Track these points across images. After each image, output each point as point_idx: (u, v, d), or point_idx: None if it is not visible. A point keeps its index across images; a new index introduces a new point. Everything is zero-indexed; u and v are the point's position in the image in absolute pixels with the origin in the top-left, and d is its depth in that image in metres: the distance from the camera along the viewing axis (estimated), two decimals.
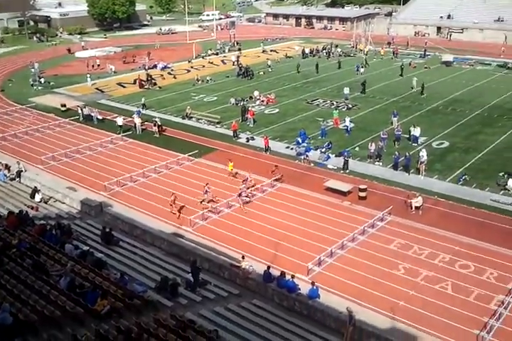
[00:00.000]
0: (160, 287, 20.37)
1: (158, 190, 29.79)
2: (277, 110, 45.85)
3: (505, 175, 30.35)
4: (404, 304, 20.07)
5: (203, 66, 65.83)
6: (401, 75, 56.35)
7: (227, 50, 75.03)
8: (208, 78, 57.03)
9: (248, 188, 28.59)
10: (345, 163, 32.40)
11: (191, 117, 43.56)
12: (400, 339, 17.66)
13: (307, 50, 70.83)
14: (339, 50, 72.47)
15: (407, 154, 32.38)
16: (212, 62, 68.10)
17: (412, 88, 50.48)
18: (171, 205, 26.90)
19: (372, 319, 18.91)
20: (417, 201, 27.11)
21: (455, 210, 27.24)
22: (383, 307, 19.85)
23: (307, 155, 34.22)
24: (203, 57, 70.89)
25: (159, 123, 40.12)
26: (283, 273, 20.64)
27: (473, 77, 56.89)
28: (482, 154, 34.59)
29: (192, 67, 64.96)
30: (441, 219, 26.22)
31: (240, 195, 27.80)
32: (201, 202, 27.83)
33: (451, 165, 33.01)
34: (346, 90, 48.44)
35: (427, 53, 69.01)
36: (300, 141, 36.65)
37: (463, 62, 64.24)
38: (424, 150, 32.43)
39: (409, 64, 61.36)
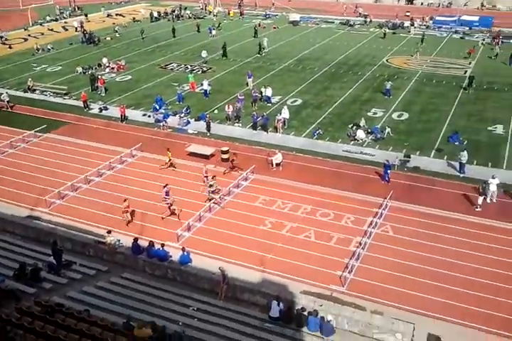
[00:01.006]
0: (19, 274, 18.78)
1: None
2: (130, 77, 43.92)
3: (354, 127, 32.45)
4: (273, 257, 20.86)
5: (42, 34, 60.50)
6: (255, 36, 56.80)
7: (67, 16, 69.53)
8: (49, 47, 52.56)
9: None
10: (208, 125, 32.24)
11: (34, 90, 40.00)
12: (272, 290, 18.34)
13: (155, 14, 68.29)
14: (188, 12, 70.97)
15: (264, 114, 33.14)
16: (52, 29, 62.81)
17: (264, 48, 51.31)
18: (125, 212, 22.96)
19: (244, 274, 19.43)
20: (276, 158, 27.97)
21: (312, 163, 28.63)
22: (254, 262, 20.45)
23: (166, 122, 33.41)
24: (41, 24, 64.99)
25: (7, 99, 36.41)
26: (152, 243, 20.20)
27: (319, 35, 59.33)
28: (332, 108, 36.55)
29: (29, 36, 59.36)
30: (300, 173, 27.41)
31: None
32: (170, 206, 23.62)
33: (306, 121, 34.46)
34: (204, 53, 47.77)
35: (275, 13, 70.43)
36: (157, 108, 35.61)
37: (309, 21, 66.69)
38: (285, 107, 33.59)
39: (259, 25, 62.12)
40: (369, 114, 35.31)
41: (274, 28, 62.35)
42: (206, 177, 25.63)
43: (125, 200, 22.96)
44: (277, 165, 27.96)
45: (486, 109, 36.24)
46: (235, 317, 17.27)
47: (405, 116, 35.03)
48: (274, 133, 32.41)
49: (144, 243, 20.56)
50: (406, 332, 16.57)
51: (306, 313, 17.08)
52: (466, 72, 44.51)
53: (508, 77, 42.80)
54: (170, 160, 27.90)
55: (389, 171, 26.21)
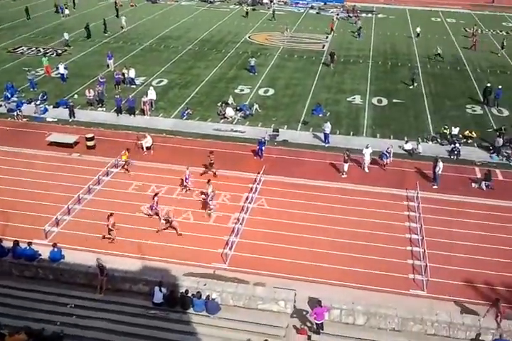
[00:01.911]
0: None
1: None
2: None
3: (223, 105, 32.49)
4: (152, 242, 20.36)
5: None
6: (117, 16, 53.63)
7: None
8: None
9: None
10: (71, 111, 30.30)
11: None
12: (154, 277, 17.87)
13: None
14: None
15: (130, 96, 31.89)
16: None
17: (122, 28, 49.11)
18: (111, 230, 20.22)
19: (124, 264, 18.76)
20: (146, 141, 27.12)
21: (183, 144, 28.25)
22: (132, 251, 19.82)
23: (20, 110, 30.69)
24: None
25: None
26: (16, 243, 18.61)
27: (179, 12, 58.13)
28: (199, 88, 36.23)
29: None
30: (171, 155, 26.88)
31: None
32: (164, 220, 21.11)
33: (174, 101, 33.82)
34: (66, 35, 44.33)
35: None
36: (9, 96, 32.62)
37: None
38: (151, 88, 32.60)
39: (115, 3, 59.09)
40: (236, 91, 35.57)
41: (132, 5, 59.85)
42: (186, 179, 23.51)
43: (111, 215, 20.11)
44: (148, 148, 27.14)
45: (344, 81, 38.34)
46: (117, 309, 16.69)
47: (271, 91, 35.86)
48: (141, 115, 31.36)
49: (8, 243, 18.89)
50: (288, 299, 17.21)
51: (190, 295, 16.97)
52: (324, 46, 46.62)
53: (361, 50, 45.58)
54: (126, 162, 25.17)
55: (263, 147, 26.71)
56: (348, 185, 24.73)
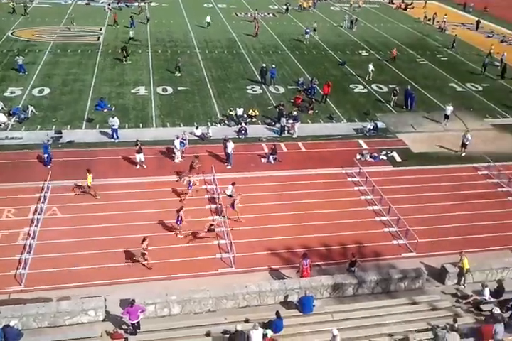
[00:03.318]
0: None
1: None
2: None
3: None
4: None
5: None
6: None
7: None
8: None
9: None
10: None
11: None
12: None
13: None
14: None
15: None
16: None
17: None
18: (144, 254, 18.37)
19: None
20: None
21: None
22: None
23: None
24: None
25: None
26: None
27: None
28: None
29: None
30: None
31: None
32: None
33: None
34: None
35: None
36: None
37: None
38: None
39: None
40: (6, 94, 32.21)
41: None
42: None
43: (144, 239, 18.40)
44: None
45: (126, 72, 37.35)
46: None
47: (47, 90, 33.24)
48: None
49: None
50: (98, 307, 16.26)
51: None
52: (99, 38, 44.72)
53: (138, 39, 44.65)
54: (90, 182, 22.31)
55: (49, 151, 24.54)
56: (142, 178, 24.22)
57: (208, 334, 15.57)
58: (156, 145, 26.94)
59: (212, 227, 20.29)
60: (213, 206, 22.51)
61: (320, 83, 35.07)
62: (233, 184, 22.90)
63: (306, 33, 47.01)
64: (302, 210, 22.36)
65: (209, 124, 29.83)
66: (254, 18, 52.69)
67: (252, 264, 19.15)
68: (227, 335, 15.25)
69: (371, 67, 38.68)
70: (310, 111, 32.22)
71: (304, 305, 16.69)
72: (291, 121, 29.32)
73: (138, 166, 25.06)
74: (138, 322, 15.72)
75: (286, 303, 17.30)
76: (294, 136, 29.17)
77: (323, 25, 53.13)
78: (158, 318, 16.58)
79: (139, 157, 24.88)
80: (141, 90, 34.31)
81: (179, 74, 36.97)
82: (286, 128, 29.38)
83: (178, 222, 20.16)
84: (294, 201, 22.91)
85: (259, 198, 23.01)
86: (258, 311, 16.84)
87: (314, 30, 49.24)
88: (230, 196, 22.55)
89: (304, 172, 25.26)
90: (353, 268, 18.57)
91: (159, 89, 34.56)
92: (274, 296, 17.43)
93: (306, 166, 25.77)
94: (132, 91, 34.10)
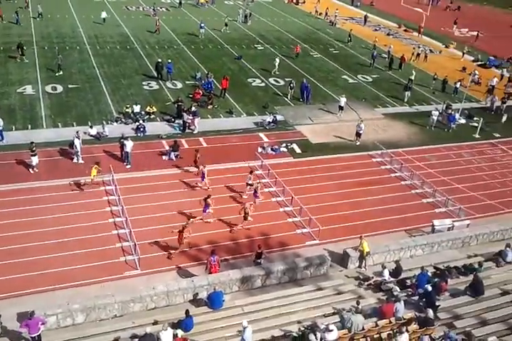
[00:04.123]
0: None
1: None
2: None
3: None
4: None
5: None
6: None
7: None
8: None
9: None
10: None
11: None
12: None
13: None
14: None
15: None
16: None
17: None
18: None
19: None
20: None
21: None
22: None
23: None
24: None
25: None
26: None
27: None
28: None
29: None
30: None
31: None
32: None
33: None
34: None
35: None
36: None
37: None
38: None
39: None
40: None
41: None
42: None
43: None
44: None
45: (10, 71, 34.87)
46: None
47: None
48: None
49: None
50: None
51: None
52: None
53: (23, 35, 41.85)
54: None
55: None
56: (36, 183, 22.80)
57: (116, 340, 14.98)
58: (48, 147, 25.42)
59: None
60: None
61: (218, 77, 34.98)
62: (251, 172, 23.40)
63: (201, 27, 46.69)
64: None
65: (104, 123, 28.67)
66: (154, 13, 51.49)
67: (158, 265, 18.70)
68: (136, 339, 14.77)
69: (277, 61, 39.41)
70: (209, 106, 32.06)
71: (213, 301, 16.58)
72: (190, 117, 28.96)
73: (32, 170, 23.47)
74: (39, 335, 14.75)
75: (196, 301, 17.09)
76: (194, 132, 28.87)
77: (218, 19, 53.06)
78: (61, 329, 15.68)
79: (35, 160, 23.35)
80: (28, 89, 32.18)
81: (61, 73, 34.92)
82: (187, 124, 28.99)
83: (206, 209, 20.79)
84: (199, 198, 22.70)
85: (161, 197, 22.52)
86: (167, 312, 16.47)
87: (226, 24, 49.56)
88: (251, 185, 22.95)
89: (207, 168, 25.08)
90: (259, 260, 18.76)
91: (48, 88, 32.61)
92: (183, 295, 17.14)
93: (209, 162, 25.61)
94: (18, 90, 31.87)
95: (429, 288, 16.87)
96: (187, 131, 28.91)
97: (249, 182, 23.12)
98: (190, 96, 33.01)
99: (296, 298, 17.45)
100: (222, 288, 17.27)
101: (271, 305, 16.94)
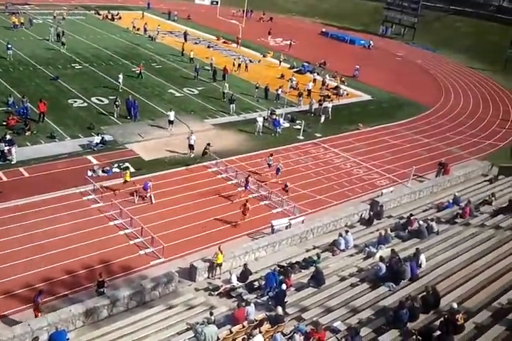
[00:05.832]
0: None
1: None
2: None
3: None
4: None
5: None
6: None
7: None
8: None
9: None
10: None
11: None
12: None
13: None
14: None
15: None
16: None
17: None
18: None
19: None
20: None
21: None
22: None
23: None
24: None
25: None
26: None
27: None
28: None
29: None
30: None
31: None
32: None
33: None
34: None
35: None
36: None
37: None
38: None
39: None
40: None
41: None
42: None
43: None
44: None
45: None
46: None
47: None
48: None
49: None
50: None
51: None
52: None
53: None
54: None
55: None
56: None
57: None
58: None
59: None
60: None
61: (34, 101, 32.44)
62: (271, 155, 28.76)
63: (8, 48, 43.02)
64: (43, 239, 20.44)
65: None
66: None
67: None
68: None
69: (121, 77, 38.27)
70: (27, 133, 29.54)
71: None
72: (6, 147, 26.37)
73: None
74: None
75: None
76: (13, 162, 26.33)
77: (27, 39, 49.54)
78: None
79: None
80: None
81: None
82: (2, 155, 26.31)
83: (247, 186, 25.88)
84: (27, 232, 20.70)
85: None
86: None
87: (63, 44, 47.49)
88: (270, 165, 28.20)
89: (32, 200, 23.04)
90: (101, 289, 17.64)
91: None
92: None
93: (34, 193, 23.53)
94: None
95: (284, 286, 17.37)
96: (5, 162, 26.28)
97: (270, 162, 28.31)
98: (4, 123, 30.08)
99: (148, 321, 16.72)
100: (65, 326, 15.87)
101: (121, 334, 15.97)
